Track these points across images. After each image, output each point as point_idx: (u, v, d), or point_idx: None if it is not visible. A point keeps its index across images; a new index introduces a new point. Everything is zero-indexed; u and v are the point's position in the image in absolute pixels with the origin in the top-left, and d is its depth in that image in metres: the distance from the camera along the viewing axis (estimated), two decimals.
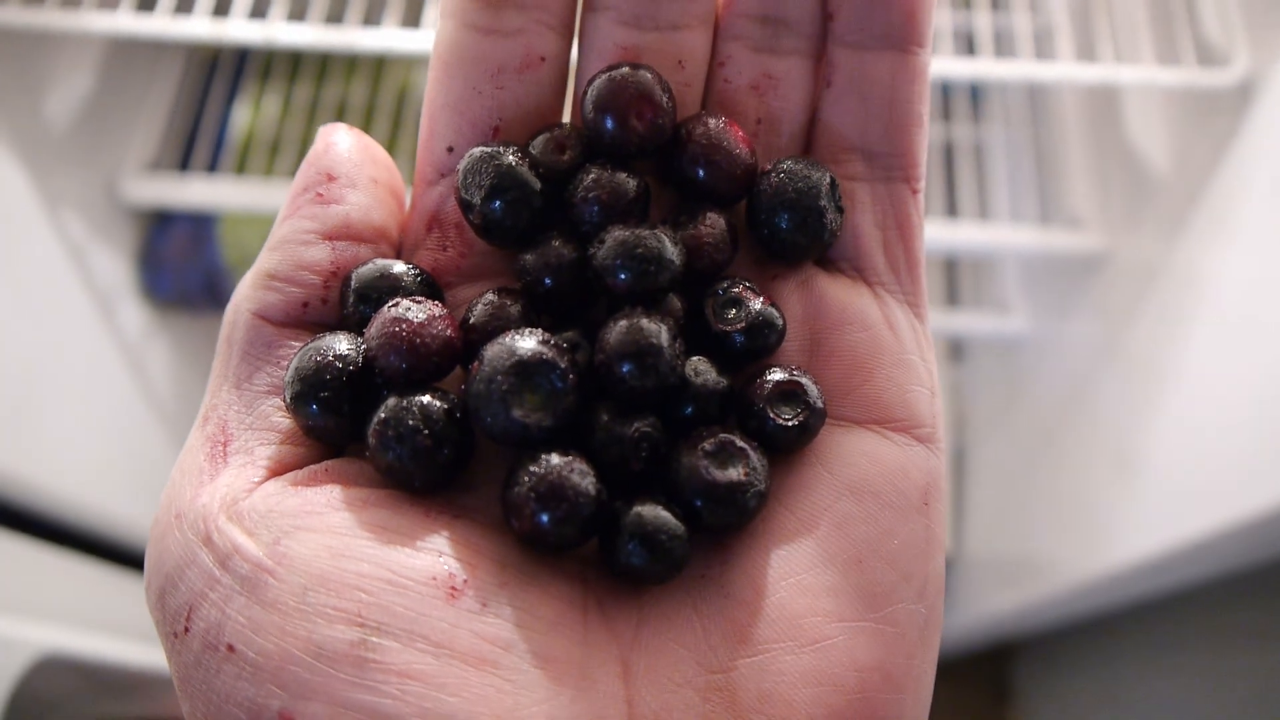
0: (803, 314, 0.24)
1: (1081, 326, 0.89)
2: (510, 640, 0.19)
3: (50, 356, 0.76)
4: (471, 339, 0.22)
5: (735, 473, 0.21)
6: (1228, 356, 0.67)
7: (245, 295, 0.23)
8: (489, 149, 0.23)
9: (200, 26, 0.67)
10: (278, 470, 0.21)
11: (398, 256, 0.24)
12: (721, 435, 0.22)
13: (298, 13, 0.71)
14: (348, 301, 0.23)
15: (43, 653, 0.57)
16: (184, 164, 0.88)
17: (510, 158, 0.23)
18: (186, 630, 0.19)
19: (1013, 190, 0.93)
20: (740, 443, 0.22)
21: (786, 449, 0.23)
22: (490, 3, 0.24)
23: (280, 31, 0.67)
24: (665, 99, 0.24)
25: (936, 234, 0.82)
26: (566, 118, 0.26)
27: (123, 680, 0.70)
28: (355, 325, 0.23)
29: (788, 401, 0.22)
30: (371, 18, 0.72)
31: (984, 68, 0.69)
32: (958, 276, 1.05)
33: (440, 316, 0.22)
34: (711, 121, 0.24)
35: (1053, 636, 1.10)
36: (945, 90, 0.99)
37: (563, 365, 0.21)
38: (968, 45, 0.80)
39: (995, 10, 0.77)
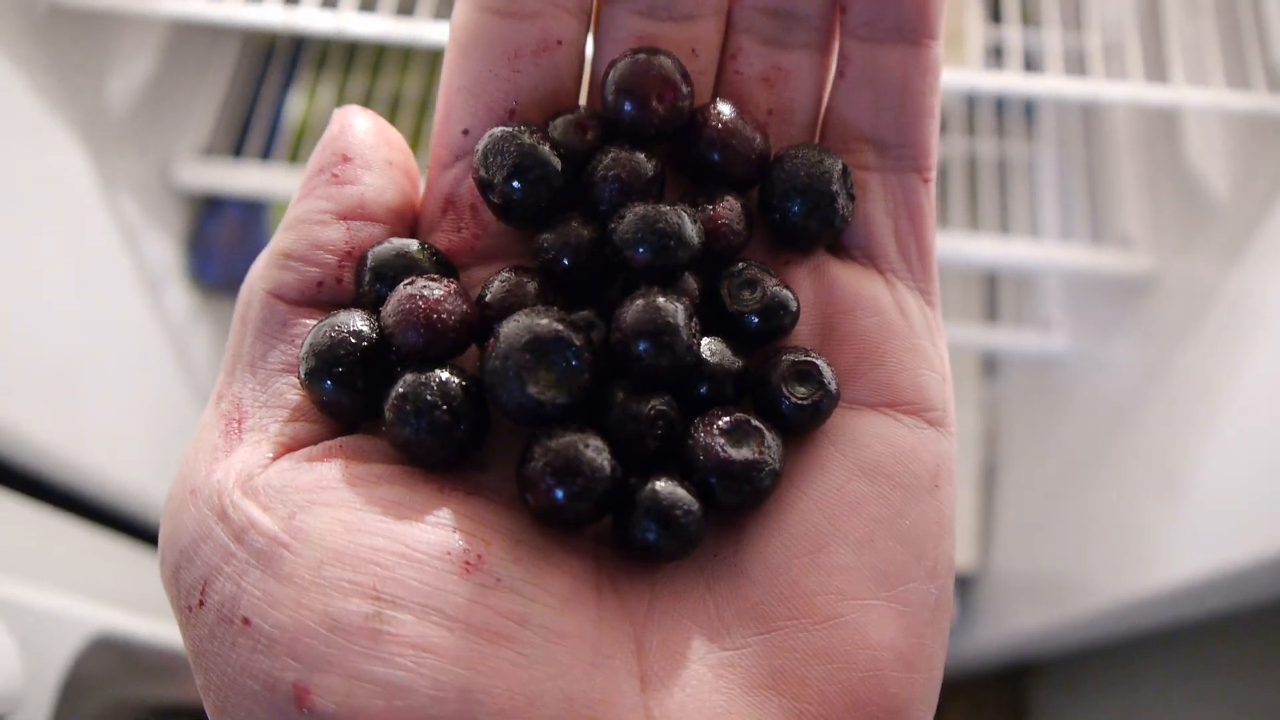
0: (815, 299, 0.25)
1: (1126, 347, 0.89)
2: (524, 615, 0.19)
3: (99, 337, 0.76)
4: (487, 316, 0.22)
5: (750, 451, 0.21)
6: None
7: (260, 274, 0.23)
8: (509, 128, 0.23)
9: (273, 14, 0.67)
10: (292, 446, 0.21)
11: (412, 237, 0.25)
12: (736, 414, 0.22)
13: (368, 3, 0.71)
14: (364, 280, 0.23)
15: (97, 632, 0.57)
16: (238, 150, 0.89)
17: (531, 137, 0.23)
18: (201, 604, 0.19)
19: (1063, 208, 0.93)
20: (755, 422, 0.22)
21: (800, 429, 0.23)
22: None
23: (351, 22, 0.68)
24: (685, 83, 0.24)
25: (986, 249, 0.82)
26: (582, 102, 0.26)
27: (162, 663, 0.70)
28: (371, 304, 0.23)
29: (802, 382, 0.22)
30: (442, 11, 0.72)
31: (1051, 85, 0.68)
32: (998, 292, 1.05)
33: (457, 293, 0.22)
34: (726, 107, 0.25)
35: (1073, 659, 1.10)
36: (1000, 106, 0.99)
37: (578, 343, 0.21)
38: (1024, 61, 0.80)
39: (1064, 28, 0.77)
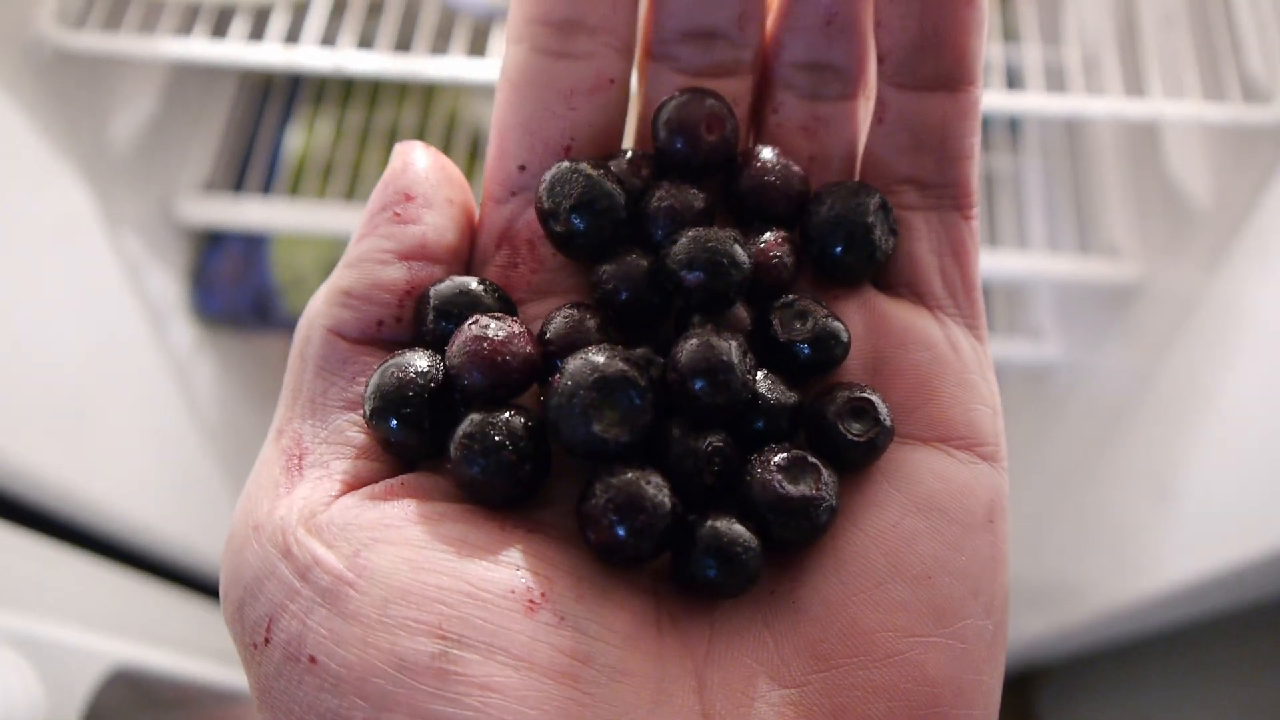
0: (865, 333, 0.25)
1: (1117, 354, 0.91)
2: (588, 654, 0.19)
3: (103, 370, 0.77)
4: (549, 353, 0.23)
5: (807, 487, 0.22)
6: (1269, 387, 0.69)
7: (320, 311, 0.23)
8: (574, 163, 0.24)
9: (273, 54, 0.69)
10: (353, 485, 0.22)
11: (468, 274, 0.25)
12: (793, 451, 0.22)
13: (367, 40, 0.72)
14: (426, 319, 0.23)
15: (115, 665, 0.58)
16: (238, 185, 0.90)
17: (596, 171, 0.24)
18: (267, 641, 0.19)
19: (1050, 220, 0.95)
20: (811, 459, 0.22)
21: (855, 465, 0.23)
22: (563, 28, 0.25)
23: (350, 59, 0.69)
24: (731, 118, 0.25)
25: None
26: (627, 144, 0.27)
27: (178, 695, 0.71)
28: (433, 342, 0.23)
29: (858, 418, 0.23)
30: (439, 46, 0.73)
31: (1033, 102, 0.70)
32: (990, 303, 1.07)
33: (521, 334, 0.22)
34: (769, 148, 0.26)
35: (1078, 663, 1.11)
36: (985, 122, 1.01)
37: (642, 383, 0.21)
38: (1005, 77, 0.82)
39: (1044, 43, 0.79)
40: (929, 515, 0.22)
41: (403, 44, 0.73)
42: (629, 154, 0.26)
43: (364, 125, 0.92)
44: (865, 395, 0.23)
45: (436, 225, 0.24)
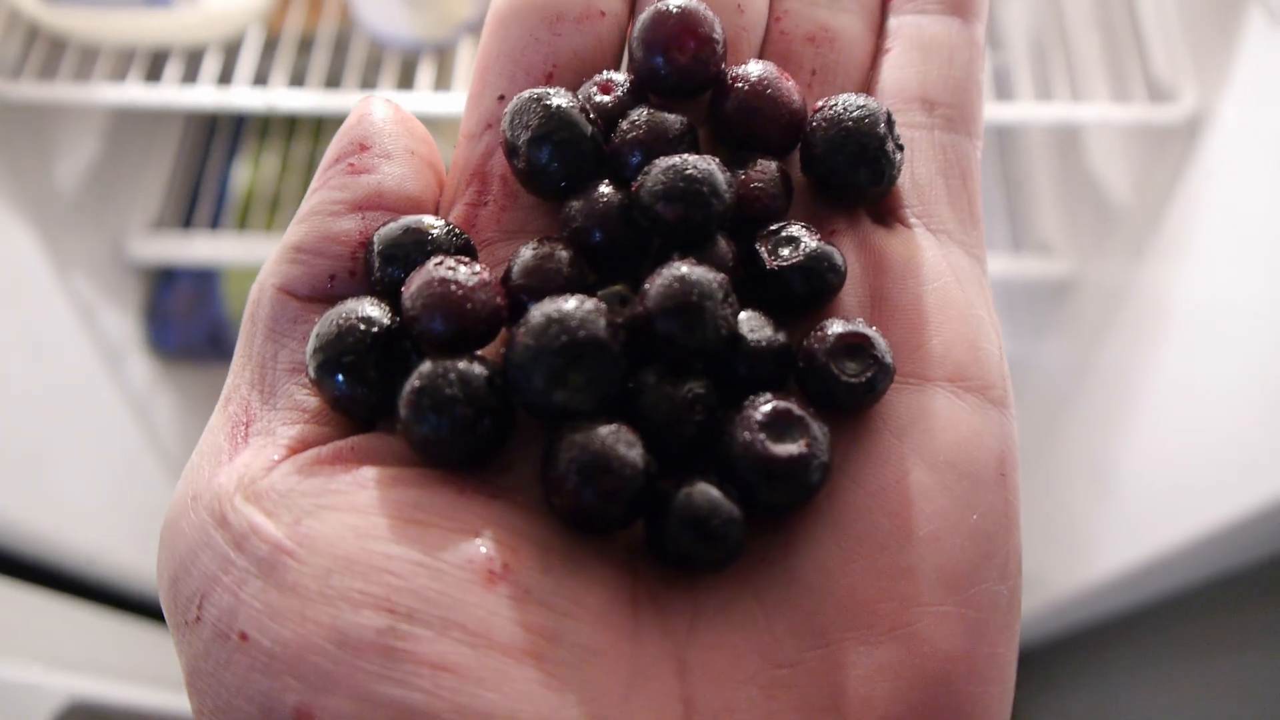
0: (862, 271, 0.22)
1: (1055, 348, 0.93)
2: (555, 631, 0.17)
3: (62, 411, 0.78)
4: (516, 295, 0.21)
5: (794, 446, 0.19)
6: (1190, 374, 0.71)
7: (270, 270, 0.22)
8: (537, 90, 0.22)
9: (206, 95, 0.71)
10: (300, 449, 0.20)
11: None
12: (776, 403, 0.19)
13: (297, 79, 0.74)
14: (373, 266, 0.21)
15: (70, 700, 0.60)
16: (187, 222, 0.92)
17: (560, 99, 0.22)
18: (198, 619, 0.17)
19: (985, 220, 0.97)
20: (797, 410, 0.19)
21: (852, 410, 0.20)
22: None
23: (281, 98, 0.71)
24: (712, 31, 0.23)
25: None
26: None
27: None
28: (384, 291, 0.21)
29: (853, 357, 0.20)
30: (368, 81, 0.75)
31: None
32: None
33: (489, 281, 0.20)
34: (760, 66, 0.23)
35: (1048, 650, 1.13)
36: None
37: (611, 344, 0.19)
38: None
39: None
40: (937, 469, 0.20)
41: (334, 79, 0.75)
42: (604, 76, 0.23)
43: (310, 157, 0.93)
44: (860, 331, 0.20)
45: (395, 174, 0.22)
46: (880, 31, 0.25)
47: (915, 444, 0.20)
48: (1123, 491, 0.79)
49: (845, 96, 0.23)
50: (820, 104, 0.23)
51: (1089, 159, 0.85)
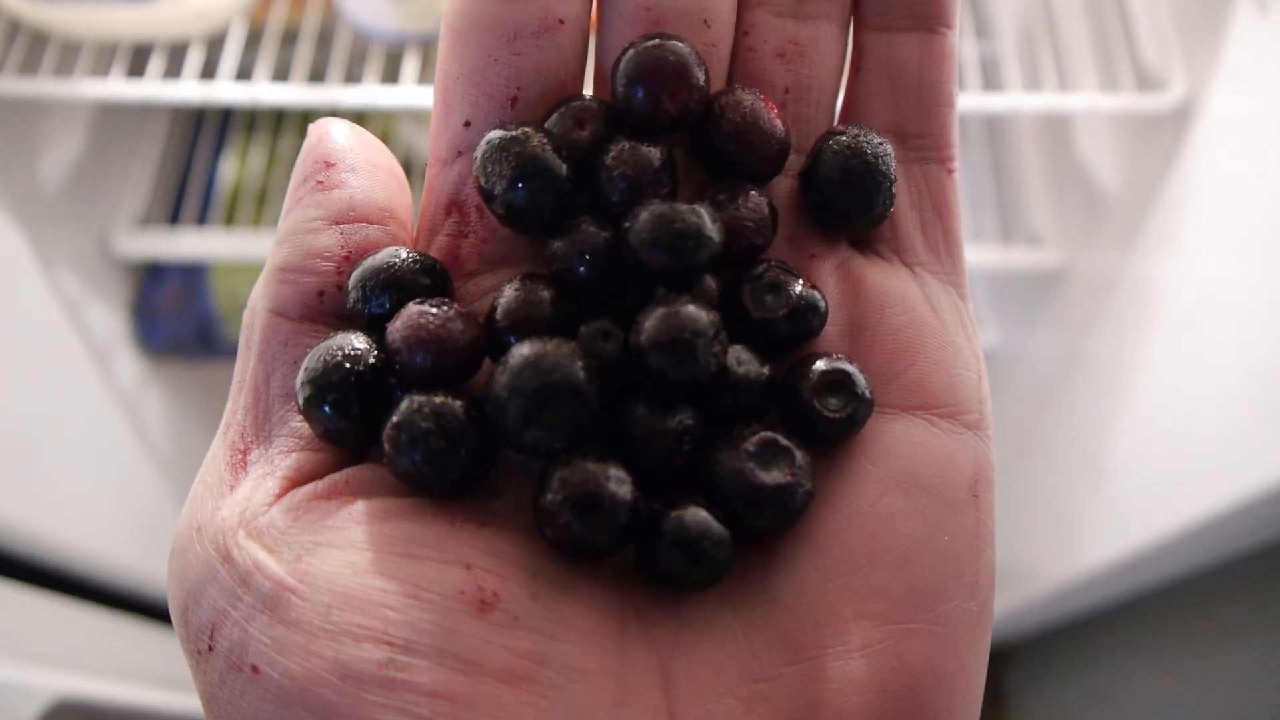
0: (841, 297, 0.23)
1: (1047, 339, 0.93)
2: (544, 654, 0.18)
3: (50, 409, 0.78)
4: (499, 331, 0.21)
5: (780, 474, 0.20)
6: (1180, 362, 0.71)
7: (260, 294, 0.22)
8: (507, 133, 0.22)
9: (189, 89, 0.70)
10: (298, 479, 0.21)
11: (410, 238, 0.24)
12: (763, 434, 0.21)
13: (281, 72, 0.74)
14: (355, 300, 0.22)
15: (58, 698, 0.59)
16: (174, 217, 0.91)
17: (531, 141, 0.22)
18: (210, 649, 0.19)
19: (974, 210, 0.97)
20: (783, 440, 0.20)
21: (833, 442, 0.22)
22: None
23: (265, 92, 0.70)
24: (701, 76, 0.23)
25: None
26: (588, 85, 0.25)
27: None
28: (365, 323, 0.22)
29: (834, 392, 0.21)
30: (353, 74, 0.75)
31: None
32: None
33: (471, 318, 0.21)
34: (746, 96, 0.23)
35: (1042, 640, 1.13)
36: None
37: (586, 388, 0.20)
38: None
39: None
40: (909, 492, 0.21)
41: (318, 72, 0.74)
42: (570, 106, 0.23)
43: (296, 152, 0.93)
44: (841, 368, 0.21)
45: (363, 187, 0.23)
46: (849, 28, 0.25)
47: (890, 470, 0.21)
48: (1113, 481, 0.79)
49: (853, 130, 0.23)
50: (830, 133, 0.24)
51: (1079, 149, 0.85)
